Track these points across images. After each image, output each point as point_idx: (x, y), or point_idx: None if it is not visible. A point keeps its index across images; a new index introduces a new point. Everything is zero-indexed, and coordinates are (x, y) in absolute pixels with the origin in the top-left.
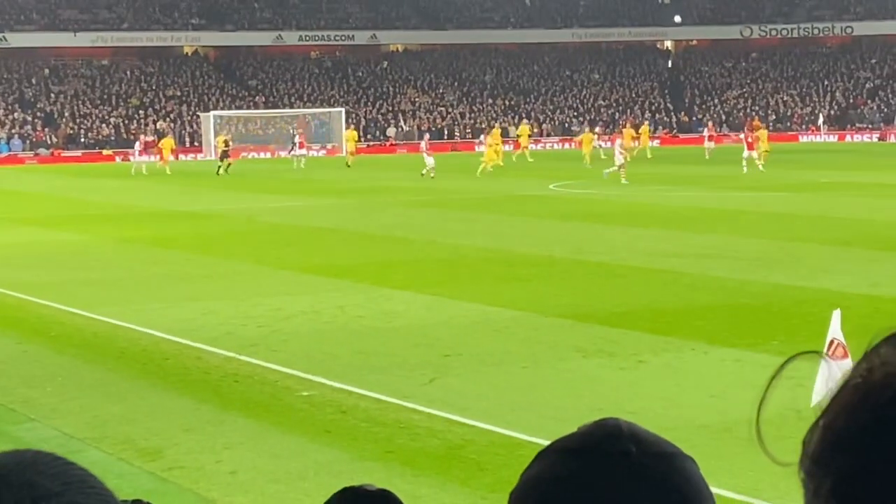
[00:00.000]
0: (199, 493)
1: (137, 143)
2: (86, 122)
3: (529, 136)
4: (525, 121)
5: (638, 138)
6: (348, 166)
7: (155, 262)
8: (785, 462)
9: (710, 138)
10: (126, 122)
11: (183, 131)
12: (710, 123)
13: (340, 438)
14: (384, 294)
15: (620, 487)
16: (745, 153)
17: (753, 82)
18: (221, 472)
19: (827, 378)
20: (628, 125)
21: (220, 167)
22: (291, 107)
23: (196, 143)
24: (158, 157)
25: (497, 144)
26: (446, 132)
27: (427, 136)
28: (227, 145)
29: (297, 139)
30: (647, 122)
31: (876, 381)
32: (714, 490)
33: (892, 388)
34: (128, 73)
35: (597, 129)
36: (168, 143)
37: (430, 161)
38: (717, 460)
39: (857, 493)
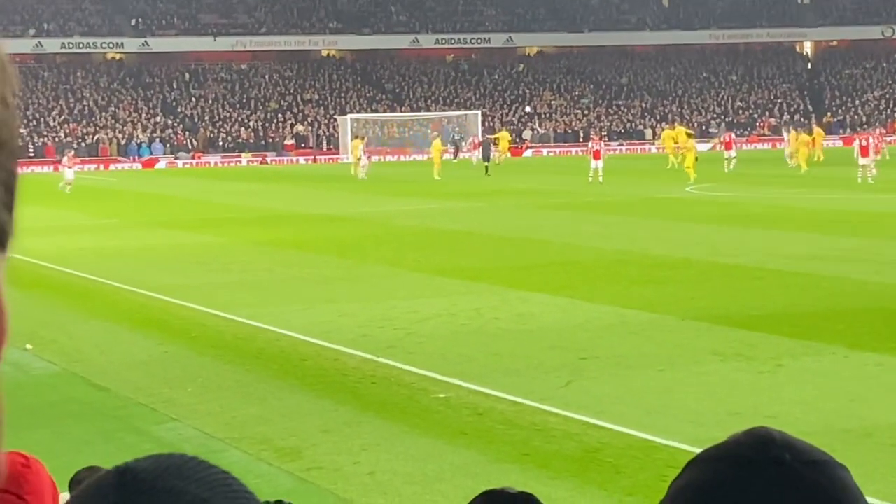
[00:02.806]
0: (338, 493)
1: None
2: (225, 125)
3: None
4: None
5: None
6: (498, 165)
7: (292, 265)
8: None
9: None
10: (265, 125)
11: (321, 134)
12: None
13: (477, 440)
14: (520, 296)
15: (774, 496)
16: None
17: (895, 83)
18: (359, 473)
19: None
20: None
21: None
22: (427, 110)
23: (332, 147)
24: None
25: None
26: (582, 135)
27: (596, 137)
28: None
29: (466, 142)
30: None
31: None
32: None
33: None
34: (266, 76)
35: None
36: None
37: (596, 164)
38: (857, 466)
39: None
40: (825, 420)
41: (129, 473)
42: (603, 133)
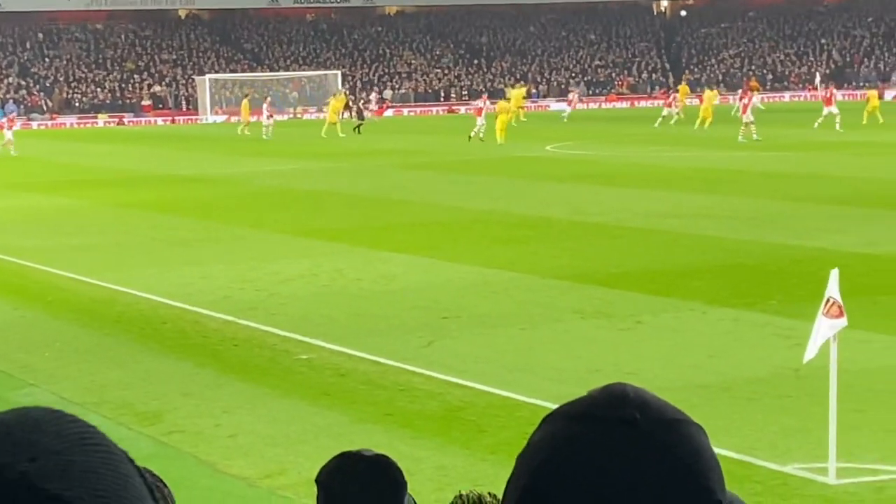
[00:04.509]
0: (199, 456)
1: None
2: (81, 86)
3: (524, 98)
4: (520, 83)
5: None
6: (514, 124)
7: (152, 227)
8: None
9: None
10: (122, 86)
11: (179, 95)
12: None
13: (339, 401)
14: (382, 257)
15: (623, 454)
16: (742, 116)
17: (750, 42)
18: (220, 435)
19: (817, 336)
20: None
21: (358, 126)
22: (287, 70)
23: (191, 107)
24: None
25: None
26: (442, 94)
27: (485, 95)
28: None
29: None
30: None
31: None
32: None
33: None
34: (122, 36)
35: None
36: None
37: (480, 122)
38: (715, 420)
39: None
40: (684, 375)
41: None
42: (464, 93)
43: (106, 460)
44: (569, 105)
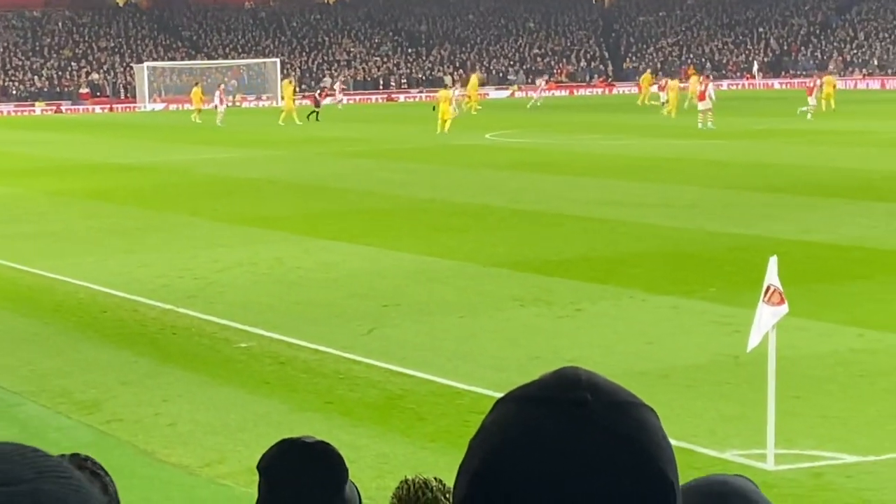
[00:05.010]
0: (138, 445)
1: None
2: (17, 74)
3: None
4: (479, 72)
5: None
6: (473, 112)
7: (90, 216)
8: None
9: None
10: (59, 73)
11: (117, 83)
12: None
13: (279, 389)
14: (321, 245)
15: (575, 436)
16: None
17: (688, 30)
18: (160, 424)
19: (759, 324)
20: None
21: (313, 113)
22: (226, 58)
23: (129, 95)
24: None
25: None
26: (381, 83)
27: (458, 84)
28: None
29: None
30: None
31: None
32: None
33: None
34: (60, 24)
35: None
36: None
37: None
38: (654, 407)
39: None
40: (623, 363)
41: None
42: (403, 81)
43: (76, 489)
44: (537, 93)
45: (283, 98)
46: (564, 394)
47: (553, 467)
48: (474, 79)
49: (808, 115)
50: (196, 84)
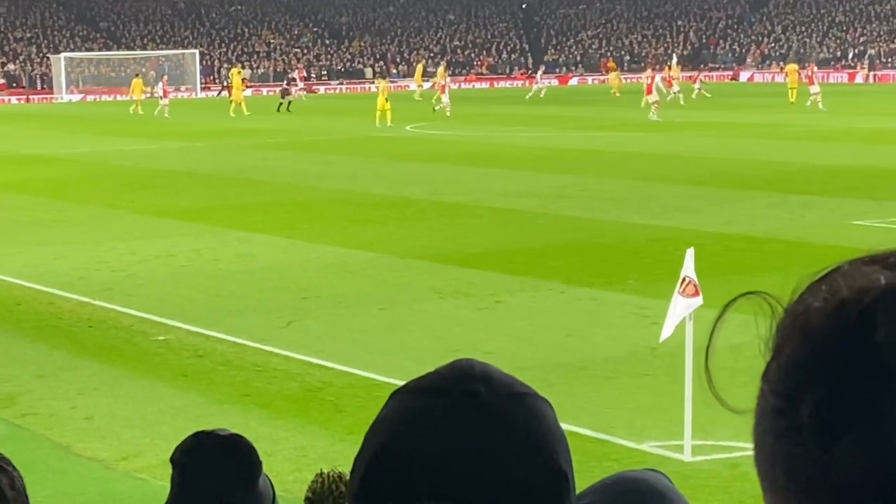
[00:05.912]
0: (54, 439)
1: None
2: None
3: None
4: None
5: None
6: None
7: (4, 207)
8: (739, 409)
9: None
10: None
11: (34, 73)
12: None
13: (197, 382)
14: (240, 237)
15: (467, 427)
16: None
17: (608, 23)
18: (76, 417)
19: (673, 315)
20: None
21: (282, 104)
22: (144, 49)
23: (45, 86)
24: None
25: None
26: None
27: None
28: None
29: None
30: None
31: (844, 298)
32: (570, 428)
33: (861, 302)
34: None
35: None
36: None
37: (445, 99)
38: (573, 398)
39: (837, 419)
40: (542, 354)
41: None
42: (323, 73)
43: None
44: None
45: (229, 87)
46: (458, 385)
47: (445, 457)
48: (421, 68)
49: (653, 115)
50: (137, 75)
